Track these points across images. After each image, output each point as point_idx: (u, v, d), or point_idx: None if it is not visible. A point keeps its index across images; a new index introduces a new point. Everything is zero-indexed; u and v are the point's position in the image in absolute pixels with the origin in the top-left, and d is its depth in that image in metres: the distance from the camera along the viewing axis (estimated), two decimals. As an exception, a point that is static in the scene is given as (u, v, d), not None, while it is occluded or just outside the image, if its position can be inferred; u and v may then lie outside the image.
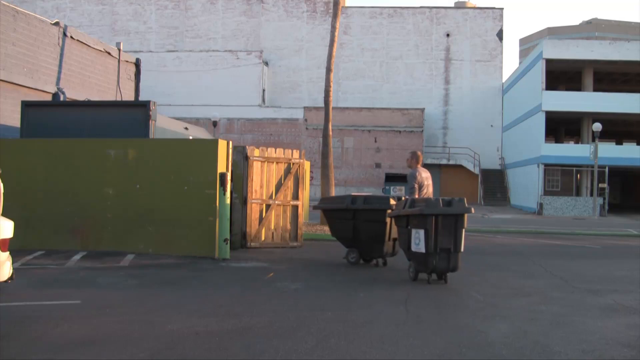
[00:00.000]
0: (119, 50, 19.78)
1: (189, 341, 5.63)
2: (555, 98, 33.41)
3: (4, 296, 7.07)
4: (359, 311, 7.04)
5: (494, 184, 42.06)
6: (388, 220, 10.27)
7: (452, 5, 49.14)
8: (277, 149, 13.33)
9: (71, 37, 17.27)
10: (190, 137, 16.35)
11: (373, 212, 10.51)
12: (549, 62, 32.93)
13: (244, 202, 12.60)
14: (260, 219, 12.81)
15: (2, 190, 6.14)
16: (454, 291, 8.57)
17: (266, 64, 44.74)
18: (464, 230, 8.98)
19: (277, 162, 13.10)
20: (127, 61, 20.38)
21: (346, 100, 44.64)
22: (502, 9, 45.31)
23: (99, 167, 11.47)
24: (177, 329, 6.03)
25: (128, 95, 20.20)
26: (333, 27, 18.71)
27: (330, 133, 18.46)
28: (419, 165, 10.28)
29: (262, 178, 12.86)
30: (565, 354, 5.49)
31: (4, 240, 5.96)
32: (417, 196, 9.81)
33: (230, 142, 11.71)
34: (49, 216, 11.48)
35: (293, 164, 13.30)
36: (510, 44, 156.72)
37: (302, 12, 46.07)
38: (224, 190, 10.95)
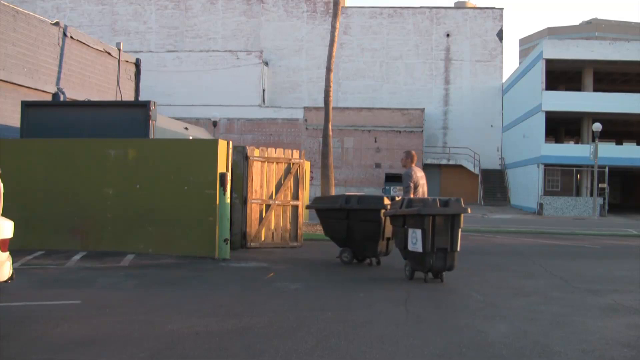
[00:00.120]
0: (119, 50, 19.78)
1: (189, 341, 5.63)
2: (555, 98, 33.42)
3: (4, 296, 7.07)
4: (359, 311, 7.04)
5: (494, 184, 42.06)
6: (382, 219, 10.30)
7: (452, 5, 49.15)
8: (277, 149, 13.33)
9: (71, 37, 17.27)
10: (190, 137, 16.35)
11: (367, 211, 10.55)
12: (549, 62, 32.94)
13: (244, 202, 12.60)
14: (260, 219, 12.81)
15: (2, 190, 6.15)
16: (454, 291, 8.57)
17: (266, 64, 44.74)
18: (460, 229, 9.07)
19: (277, 162, 13.10)
20: (127, 61, 20.38)
21: (346, 100, 44.65)
22: (502, 9, 45.31)
23: (99, 167, 11.47)
24: (177, 329, 6.03)
25: (128, 95, 20.20)
26: (333, 27, 18.71)
27: (330, 133, 18.46)
28: (413, 165, 10.36)
29: (262, 178, 12.86)
30: (565, 354, 5.49)
31: (4, 240, 5.96)
32: (412, 195, 9.88)
33: (230, 142, 11.71)
34: (49, 216, 11.48)
35: (293, 164, 13.30)
36: (510, 44, 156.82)
37: (302, 12, 46.07)
38: (224, 190, 10.95)
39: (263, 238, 12.88)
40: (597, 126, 30.54)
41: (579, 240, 17.05)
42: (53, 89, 16.42)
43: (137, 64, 20.99)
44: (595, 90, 35.13)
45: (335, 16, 18.85)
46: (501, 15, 45.11)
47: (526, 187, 36.12)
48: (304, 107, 41.64)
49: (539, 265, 11.40)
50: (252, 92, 42.66)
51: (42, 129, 12.89)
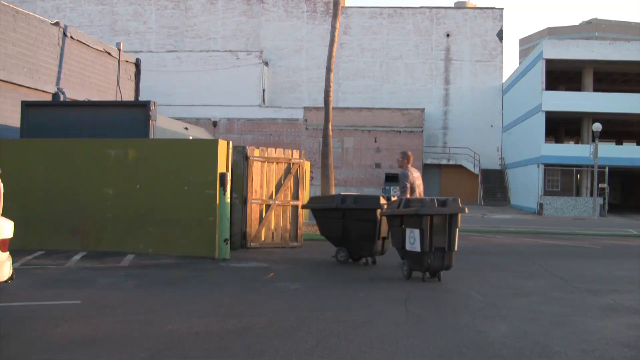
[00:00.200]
0: (119, 50, 19.78)
1: (189, 341, 5.63)
2: (555, 98, 33.42)
3: (4, 296, 7.07)
4: (359, 311, 7.04)
5: (494, 184, 42.06)
6: (378, 219, 10.36)
7: (452, 5, 49.15)
8: (277, 149, 13.33)
9: (71, 37, 17.27)
10: (190, 137, 16.35)
11: (363, 211, 10.59)
12: (549, 62, 32.94)
13: (244, 202, 12.60)
14: (260, 219, 12.81)
15: (2, 190, 6.15)
16: (454, 291, 8.57)
17: (266, 64, 44.74)
18: (457, 229, 9.15)
19: (277, 162, 13.10)
20: (127, 61, 20.38)
21: (346, 100, 44.65)
22: (502, 9, 45.31)
23: (99, 167, 11.47)
24: (177, 329, 6.03)
25: (128, 95, 20.20)
26: (333, 27, 18.71)
27: (330, 133, 18.46)
28: (409, 165, 10.50)
29: (262, 178, 12.86)
30: (565, 354, 5.49)
31: (4, 240, 5.96)
32: (408, 195, 9.99)
33: (230, 142, 11.70)
34: (49, 216, 11.47)
35: (293, 164, 13.30)
36: (510, 44, 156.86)
37: (302, 12, 46.07)
38: (224, 190, 10.95)
39: (263, 238, 12.88)
40: (597, 126, 30.54)
41: (579, 240, 17.05)
42: (53, 89, 16.42)
43: (137, 64, 20.99)
44: (595, 90, 35.14)
45: (335, 16, 18.85)
46: (501, 15, 45.11)
47: (526, 187, 36.12)
48: (304, 107, 41.65)
49: (539, 265, 11.40)
50: (252, 92, 42.66)
51: (42, 129, 12.89)
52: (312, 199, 12.30)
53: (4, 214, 6.23)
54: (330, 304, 7.41)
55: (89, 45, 18.22)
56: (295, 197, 13.31)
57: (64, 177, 11.57)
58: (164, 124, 15.00)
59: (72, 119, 13.20)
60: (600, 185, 32.66)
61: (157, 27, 46.75)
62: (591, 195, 32.85)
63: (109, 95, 19.04)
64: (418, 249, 8.91)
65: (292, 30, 46.01)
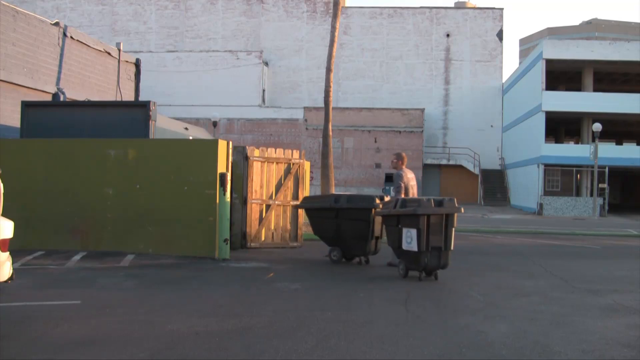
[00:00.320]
0: (119, 50, 19.78)
1: (189, 341, 5.63)
2: (555, 98, 33.42)
3: (4, 296, 7.07)
4: (359, 311, 7.04)
5: (494, 184, 42.06)
6: (371, 219, 10.42)
7: (452, 5, 49.15)
8: (277, 149, 13.33)
9: (71, 37, 17.27)
10: (190, 137, 16.34)
11: (356, 211, 10.65)
12: (549, 62, 32.94)
13: (244, 202, 12.59)
14: (260, 219, 12.81)
15: (2, 190, 6.15)
16: (454, 291, 8.57)
17: (266, 64, 44.74)
18: (453, 229, 9.27)
19: (277, 163, 13.10)
20: (127, 61, 20.38)
21: (346, 100, 44.65)
22: (502, 9, 45.31)
23: (99, 167, 11.47)
24: (177, 329, 6.03)
25: (128, 96, 20.19)
26: (333, 27, 18.71)
27: (330, 133, 18.46)
28: (404, 166, 10.83)
29: (262, 178, 12.86)
30: (565, 354, 5.49)
31: (4, 240, 5.95)
32: (402, 195, 10.24)
33: (230, 142, 11.70)
34: (49, 216, 11.48)
35: (293, 164, 13.30)
36: (510, 44, 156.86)
37: (302, 12, 46.08)
38: (224, 190, 10.95)
39: (263, 238, 12.88)
40: (597, 126, 30.54)
41: (579, 241, 17.05)
42: (53, 89, 16.42)
43: (137, 64, 20.99)
44: (595, 90, 35.14)
45: (335, 16, 18.85)
46: (501, 16, 45.11)
47: (526, 187, 36.12)
48: (304, 107, 41.65)
49: (539, 266, 11.40)
50: (252, 92, 42.66)
51: (42, 129, 12.88)
52: (306, 199, 12.32)
53: (4, 214, 6.23)
54: (330, 304, 7.41)
55: (89, 46, 18.22)
56: (295, 197, 13.30)
57: (64, 177, 11.57)
58: (164, 124, 14.99)
59: (72, 119, 13.19)
60: (600, 185, 32.67)
61: (157, 27, 46.75)
62: (591, 195, 32.85)
63: (109, 95, 19.04)
64: (415, 249, 9.01)
65: (292, 30, 46.02)
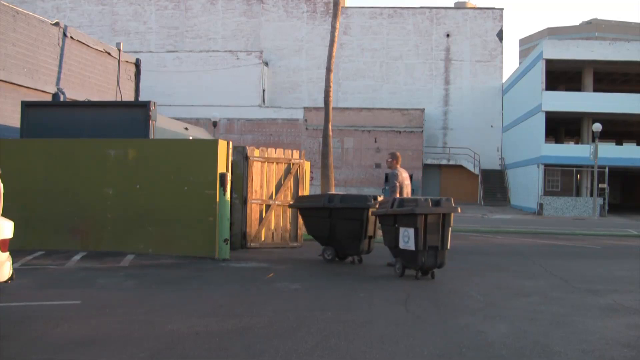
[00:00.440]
0: (119, 50, 19.78)
1: (189, 341, 5.63)
2: (555, 98, 33.42)
3: (4, 296, 7.07)
4: (359, 311, 7.05)
5: (494, 184, 42.06)
6: (365, 218, 10.47)
7: (452, 5, 49.15)
8: (277, 149, 13.33)
9: (71, 37, 17.27)
10: (190, 137, 16.34)
11: (350, 210, 10.69)
12: (549, 62, 32.94)
13: (244, 202, 12.60)
14: (260, 219, 12.81)
15: (2, 190, 6.15)
16: (454, 291, 8.57)
17: (266, 64, 44.74)
18: (450, 228, 9.37)
19: (277, 163, 13.10)
20: (127, 61, 20.37)
21: (346, 100, 44.65)
22: (502, 9, 45.30)
23: (99, 167, 11.47)
24: (177, 329, 6.03)
25: (128, 96, 20.19)
26: (333, 28, 18.70)
27: (330, 133, 18.45)
28: (398, 165, 10.95)
29: (262, 178, 12.86)
30: (565, 354, 5.49)
31: (4, 240, 5.96)
32: (397, 195, 10.37)
33: (230, 143, 11.70)
34: (49, 216, 11.47)
35: (293, 164, 13.30)
36: (510, 44, 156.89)
37: (302, 12, 46.08)
38: (224, 190, 10.95)
39: (263, 238, 12.88)
40: (597, 126, 30.54)
41: (579, 241, 17.05)
42: (53, 89, 16.41)
43: (137, 64, 20.98)
44: (595, 90, 35.14)
45: (335, 16, 18.84)
46: (501, 16, 45.10)
47: (526, 187, 36.12)
48: (304, 107, 41.64)
49: (539, 266, 11.40)
50: (252, 92, 42.66)
51: (42, 129, 12.88)
52: (299, 198, 12.33)
53: (4, 214, 6.23)
54: (330, 304, 7.41)
55: (89, 46, 18.22)
56: (296, 197, 13.30)
57: (64, 177, 11.57)
58: (164, 124, 14.99)
59: (72, 119, 13.18)
60: (600, 185, 32.66)
61: (157, 27, 46.75)
62: (591, 195, 32.85)
63: (109, 95, 19.04)
64: (412, 248, 9.08)
65: (292, 30, 46.01)
